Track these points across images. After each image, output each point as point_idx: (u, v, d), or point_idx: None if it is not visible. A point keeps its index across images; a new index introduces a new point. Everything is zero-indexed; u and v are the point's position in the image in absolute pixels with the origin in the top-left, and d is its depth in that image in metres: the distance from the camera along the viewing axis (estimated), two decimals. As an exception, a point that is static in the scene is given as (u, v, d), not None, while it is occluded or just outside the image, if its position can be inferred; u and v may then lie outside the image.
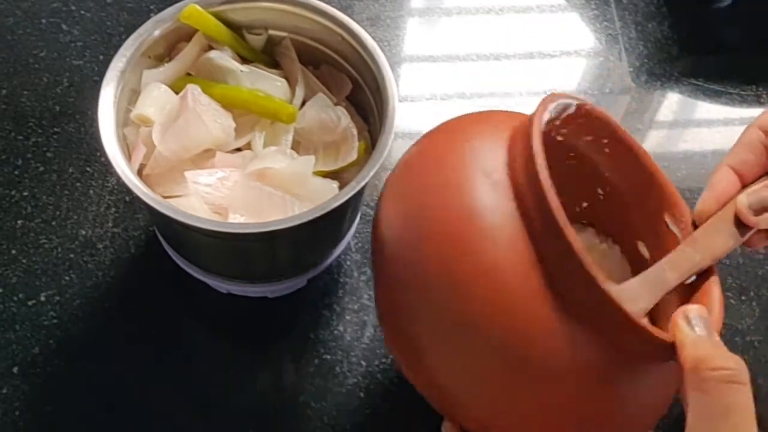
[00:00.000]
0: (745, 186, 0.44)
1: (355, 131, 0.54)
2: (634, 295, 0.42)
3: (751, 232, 0.42)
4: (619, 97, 0.71)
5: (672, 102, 0.72)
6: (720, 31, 0.77)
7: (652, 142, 0.70)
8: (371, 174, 0.48)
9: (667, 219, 0.46)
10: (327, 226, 0.53)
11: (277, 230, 0.46)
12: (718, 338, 0.37)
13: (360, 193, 0.49)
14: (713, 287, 0.41)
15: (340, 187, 0.52)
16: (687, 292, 0.43)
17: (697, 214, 0.44)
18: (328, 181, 0.52)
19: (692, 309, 0.38)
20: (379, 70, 0.52)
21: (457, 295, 0.36)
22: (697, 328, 0.37)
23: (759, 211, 0.41)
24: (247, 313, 0.57)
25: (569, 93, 0.43)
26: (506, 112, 0.46)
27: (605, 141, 0.46)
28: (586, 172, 0.48)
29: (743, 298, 0.60)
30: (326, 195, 0.50)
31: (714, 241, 0.42)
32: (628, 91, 0.72)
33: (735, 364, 0.35)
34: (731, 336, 0.58)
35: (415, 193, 0.41)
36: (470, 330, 0.36)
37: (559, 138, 0.46)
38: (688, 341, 0.36)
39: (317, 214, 0.46)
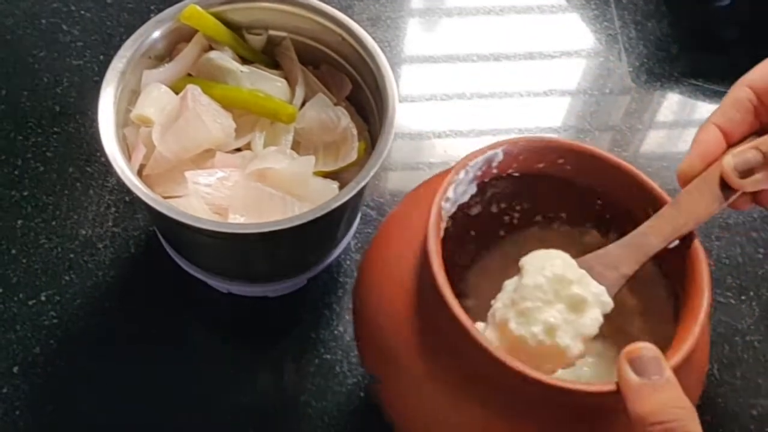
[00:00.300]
0: (730, 145, 0.42)
1: (355, 131, 0.54)
2: (615, 261, 0.41)
3: (736, 194, 0.41)
4: (619, 97, 0.71)
5: (672, 102, 0.72)
6: (720, 31, 0.77)
7: (651, 142, 0.70)
8: (371, 174, 0.48)
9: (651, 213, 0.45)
10: (327, 227, 0.53)
11: (277, 230, 0.46)
12: (667, 376, 0.35)
13: (360, 193, 0.49)
14: (701, 269, 0.40)
15: (340, 188, 0.52)
16: (681, 280, 0.42)
17: (680, 174, 0.43)
18: (328, 181, 0.52)
19: (634, 349, 0.36)
20: (379, 71, 0.52)
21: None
22: (641, 372, 0.35)
23: (745, 173, 0.40)
24: (247, 312, 0.57)
25: (501, 141, 0.44)
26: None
27: (560, 161, 0.45)
28: (568, 182, 0.47)
29: (743, 297, 0.60)
30: (326, 195, 0.50)
31: (698, 203, 0.41)
32: (628, 91, 0.72)
33: (679, 413, 0.34)
34: (731, 336, 0.59)
35: (374, 263, 0.45)
36: None
37: (516, 174, 0.46)
38: (630, 392, 0.35)
39: (317, 215, 0.46)
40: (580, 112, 0.70)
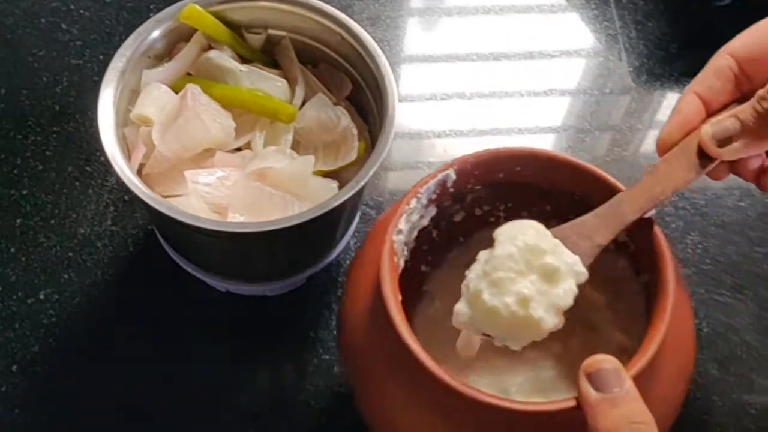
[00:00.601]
0: (710, 114, 0.42)
1: (355, 131, 0.54)
2: (589, 230, 0.41)
3: (714, 163, 0.41)
4: (619, 97, 0.71)
5: (672, 102, 0.72)
6: (720, 31, 0.77)
7: (652, 142, 0.69)
8: (371, 174, 0.48)
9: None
10: (326, 226, 0.53)
11: (276, 230, 0.46)
12: (627, 388, 0.35)
13: (359, 192, 0.49)
14: (667, 272, 0.40)
15: (340, 187, 0.52)
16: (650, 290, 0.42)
17: (659, 143, 0.42)
18: (327, 180, 0.52)
19: (593, 363, 0.36)
20: (379, 70, 0.52)
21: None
22: (601, 386, 0.35)
23: (723, 141, 0.40)
24: (246, 312, 0.57)
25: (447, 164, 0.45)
26: None
27: (517, 168, 0.45)
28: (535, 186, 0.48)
29: (740, 296, 0.60)
30: (326, 195, 0.50)
31: (675, 172, 0.41)
32: (628, 90, 0.72)
33: (638, 428, 0.34)
34: (728, 334, 0.59)
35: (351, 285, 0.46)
36: None
37: (477, 187, 0.47)
38: (590, 408, 0.35)
39: (317, 214, 0.46)
40: (580, 111, 0.70)
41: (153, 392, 0.54)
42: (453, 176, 0.44)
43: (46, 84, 0.66)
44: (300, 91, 0.55)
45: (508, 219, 0.50)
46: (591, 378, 0.35)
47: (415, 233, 0.45)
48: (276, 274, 0.55)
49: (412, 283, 0.48)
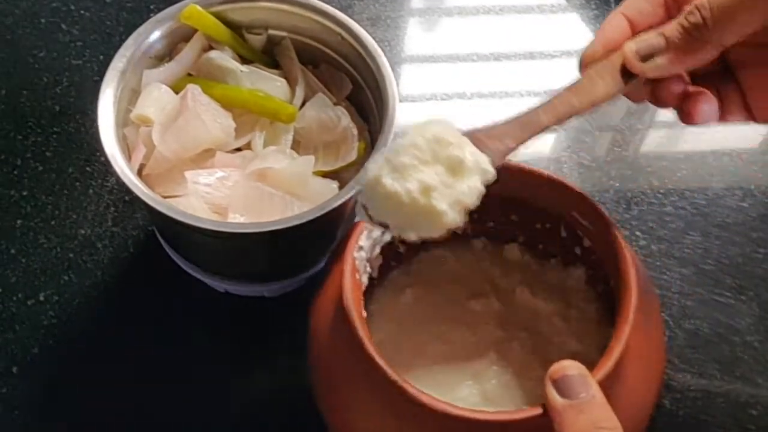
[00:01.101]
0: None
1: (355, 131, 0.54)
2: (500, 134, 0.40)
3: (635, 80, 0.40)
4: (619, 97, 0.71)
5: (672, 102, 0.72)
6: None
7: (651, 142, 0.70)
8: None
9: (576, 215, 0.46)
10: (326, 226, 0.53)
11: (276, 230, 0.46)
12: (593, 393, 0.35)
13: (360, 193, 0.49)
14: (627, 270, 0.40)
15: (340, 188, 0.52)
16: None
17: (581, 58, 0.41)
18: (327, 181, 0.52)
19: (558, 369, 0.36)
20: (379, 70, 0.52)
21: None
22: (567, 393, 0.35)
23: (645, 57, 0.39)
24: (245, 312, 0.57)
25: None
26: None
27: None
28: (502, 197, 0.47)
29: (742, 297, 0.60)
30: (326, 195, 0.50)
31: (596, 86, 0.40)
32: (628, 91, 0.72)
33: None
34: (730, 336, 0.58)
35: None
36: None
37: None
38: (557, 414, 0.35)
39: (317, 214, 0.46)
40: (580, 112, 0.70)
41: (152, 393, 0.54)
42: None
43: (46, 84, 0.66)
44: (300, 92, 0.55)
45: (473, 228, 0.51)
46: (557, 384, 0.36)
47: (378, 249, 0.46)
48: (276, 274, 0.55)
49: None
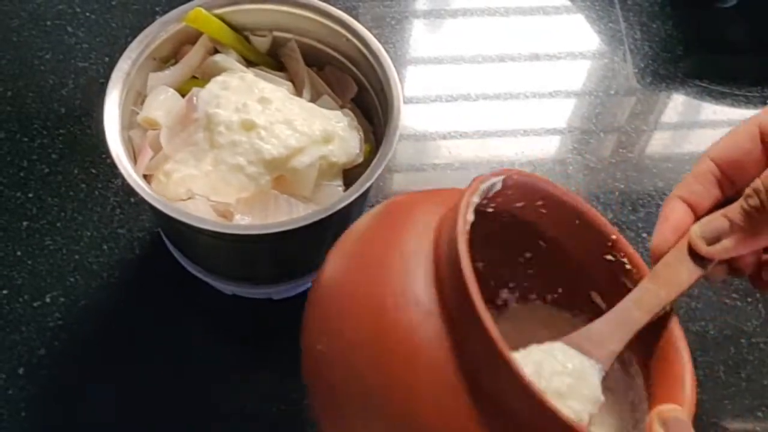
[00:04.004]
0: (698, 218, 0.42)
1: (360, 132, 0.54)
2: (602, 337, 0.40)
3: (713, 263, 0.41)
4: (623, 98, 0.71)
5: (677, 103, 0.72)
6: (725, 32, 0.77)
7: (657, 144, 0.69)
8: (376, 176, 0.48)
9: (608, 257, 0.44)
10: (331, 228, 0.53)
11: (282, 232, 0.46)
12: None
13: (365, 194, 0.49)
14: (683, 363, 0.39)
15: (345, 189, 0.52)
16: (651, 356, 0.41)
17: (653, 250, 0.42)
18: (332, 183, 0.52)
19: (669, 411, 0.36)
20: (384, 72, 0.52)
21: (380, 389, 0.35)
22: None
23: (712, 240, 0.40)
24: (251, 314, 0.57)
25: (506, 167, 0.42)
26: (445, 192, 0.43)
27: (539, 203, 0.44)
28: (523, 228, 0.46)
29: (749, 299, 0.60)
30: (331, 197, 0.50)
31: (677, 274, 0.41)
32: (633, 92, 0.72)
33: None
34: (737, 338, 0.58)
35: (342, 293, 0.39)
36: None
37: (489, 209, 0.44)
38: None
39: (322, 216, 0.46)
40: (585, 113, 0.70)
41: (158, 394, 0.54)
42: (498, 185, 0.41)
43: (52, 86, 0.67)
44: (306, 94, 0.55)
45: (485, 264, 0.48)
46: (668, 425, 0.36)
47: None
48: (281, 276, 0.55)
49: None
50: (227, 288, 0.57)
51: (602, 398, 0.39)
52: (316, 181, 0.51)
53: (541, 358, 0.39)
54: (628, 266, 0.43)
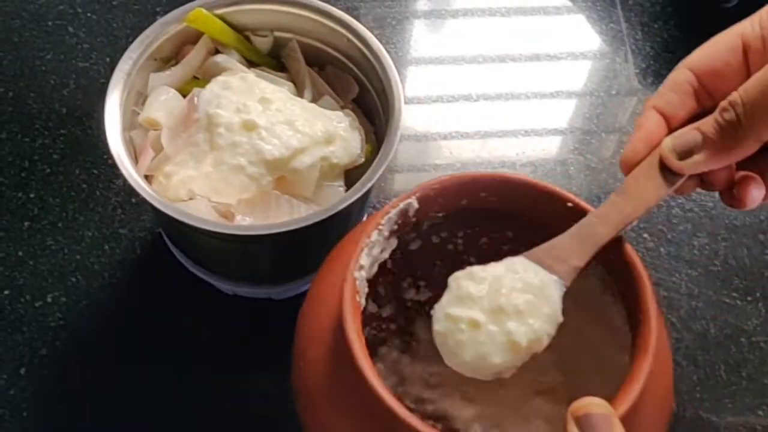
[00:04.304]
0: (672, 130, 0.40)
1: (361, 133, 0.54)
2: (564, 252, 0.39)
3: (682, 178, 0.39)
4: (625, 98, 0.71)
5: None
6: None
7: (658, 144, 0.69)
8: (377, 176, 0.48)
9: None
10: (333, 228, 0.53)
11: (283, 232, 0.46)
12: None
13: (366, 195, 0.49)
14: (647, 301, 0.38)
15: (346, 189, 0.52)
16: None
17: (623, 160, 0.40)
18: (334, 183, 0.52)
19: (582, 407, 0.34)
20: (385, 72, 0.52)
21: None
22: None
23: (683, 154, 0.38)
24: (252, 314, 0.57)
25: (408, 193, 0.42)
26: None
27: (482, 194, 0.43)
28: (492, 215, 0.45)
29: (749, 298, 0.60)
30: (332, 197, 0.50)
31: (645, 188, 0.39)
32: (635, 92, 0.72)
33: None
34: (737, 337, 0.58)
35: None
36: None
37: (439, 215, 0.44)
38: None
39: (323, 217, 0.46)
40: (587, 113, 0.70)
41: (160, 394, 0.54)
42: (415, 205, 0.42)
43: (53, 87, 0.67)
44: (307, 94, 0.55)
45: (466, 245, 0.49)
46: (579, 422, 0.34)
47: (376, 268, 0.42)
48: (282, 276, 0.55)
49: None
50: (228, 288, 0.57)
51: (561, 318, 0.39)
52: (317, 182, 0.51)
53: (501, 273, 0.39)
54: None
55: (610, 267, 0.42)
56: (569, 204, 0.42)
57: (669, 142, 0.39)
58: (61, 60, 0.68)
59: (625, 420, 0.35)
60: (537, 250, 0.40)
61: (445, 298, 0.39)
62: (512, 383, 0.43)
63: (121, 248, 0.59)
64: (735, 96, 0.36)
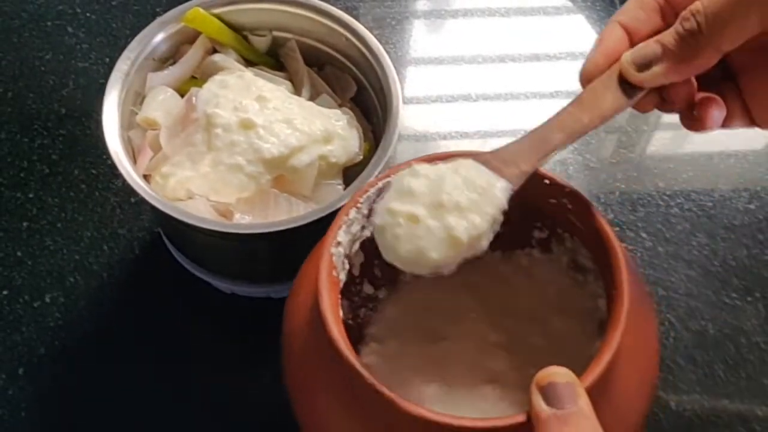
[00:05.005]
0: (634, 45, 0.39)
1: (360, 131, 0.54)
2: (515, 156, 0.39)
3: (642, 92, 0.39)
4: (624, 98, 0.71)
5: (677, 103, 0.72)
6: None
7: (657, 144, 0.69)
8: (375, 174, 0.48)
9: (552, 200, 0.43)
10: (331, 228, 0.53)
11: (281, 231, 0.46)
12: (580, 405, 0.33)
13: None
14: (621, 273, 0.38)
15: (344, 188, 0.52)
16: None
17: (583, 72, 0.40)
18: (332, 182, 0.52)
19: (545, 376, 0.34)
20: (384, 72, 0.52)
21: None
22: (553, 402, 0.33)
23: (643, 67, 0.38)
24: (250, 313, 0.57)
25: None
26: None
27: None
28: None
29: (749, 299, 0.60)
30: (330, 196, 0.50)
31: (602, 100, 0.39)
32: (634, 92, 0.72)
33: None
34: (737, 337, 0.58)
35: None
36: None
37: None
38: (540, 424, 0.33)
39: (322, 215, 0.46)
40: (586, 113, 0.70)
41: (158, 393, 0.54)
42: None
43: (52, 87, 0.67)
44: (305, 93, 0.55)
45: None
46: (543, 391, 0.33)
47: (357, 245, 0.42)
48: (281, 275, 0.55)
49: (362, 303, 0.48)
50: (227, 287, 0.57)
51: (502, 217, 0.38)
52: (315, 180, 0.51)
53: (445, 174, 0.38)
54: (569, 205, 0.42)
55: (582, 238, 0.42)
56: (546, 181, 0.42)
57: (629, 56, 0.39)
58: (60, 60, 0.68)
59: (594, 391, 0.34)
60: (486, 153, 0.39)
61: (388, 194, 0.39)
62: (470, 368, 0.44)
63: (120, 248, 0.59)
64: (697, 5, 0.36)
